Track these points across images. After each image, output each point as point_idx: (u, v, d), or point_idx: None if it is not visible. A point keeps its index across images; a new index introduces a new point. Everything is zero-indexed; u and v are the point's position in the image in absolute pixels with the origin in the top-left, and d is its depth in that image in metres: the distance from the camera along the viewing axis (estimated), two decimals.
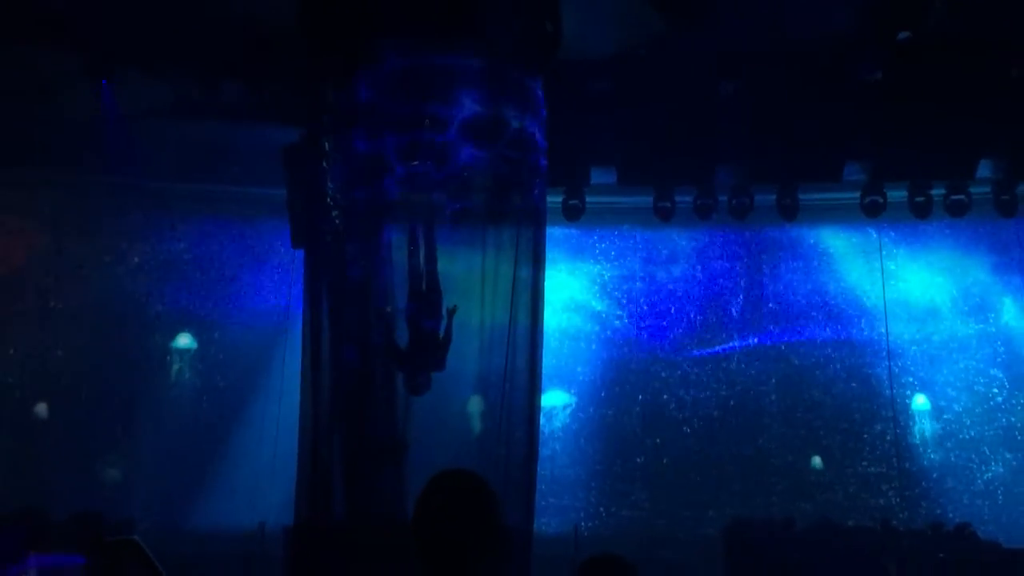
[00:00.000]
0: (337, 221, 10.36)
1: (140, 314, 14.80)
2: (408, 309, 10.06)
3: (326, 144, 10.36)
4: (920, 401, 15.32)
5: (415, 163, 10.18)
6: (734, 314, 15.70)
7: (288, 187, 10.76)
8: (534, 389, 9.96)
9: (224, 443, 14.51)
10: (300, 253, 10.80)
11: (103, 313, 14.49)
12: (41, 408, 14.33)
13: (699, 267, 15.85)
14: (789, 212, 13.46)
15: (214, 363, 15.03)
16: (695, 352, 15.66)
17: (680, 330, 15.74)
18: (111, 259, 14.73)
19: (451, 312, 10.06)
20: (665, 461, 15.25)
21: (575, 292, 15.97)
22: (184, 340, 15.12)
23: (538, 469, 10.21)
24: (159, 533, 11.39)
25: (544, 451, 12.69)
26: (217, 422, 14.58)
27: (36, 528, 10.75)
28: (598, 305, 16.07)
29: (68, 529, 11.12)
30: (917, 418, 15.19)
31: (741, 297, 15.73)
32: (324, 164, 10.36)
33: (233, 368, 14.82)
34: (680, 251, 15.94)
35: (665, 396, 15.54)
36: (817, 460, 15.11)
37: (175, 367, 15.03)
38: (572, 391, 15.74)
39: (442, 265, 10.49)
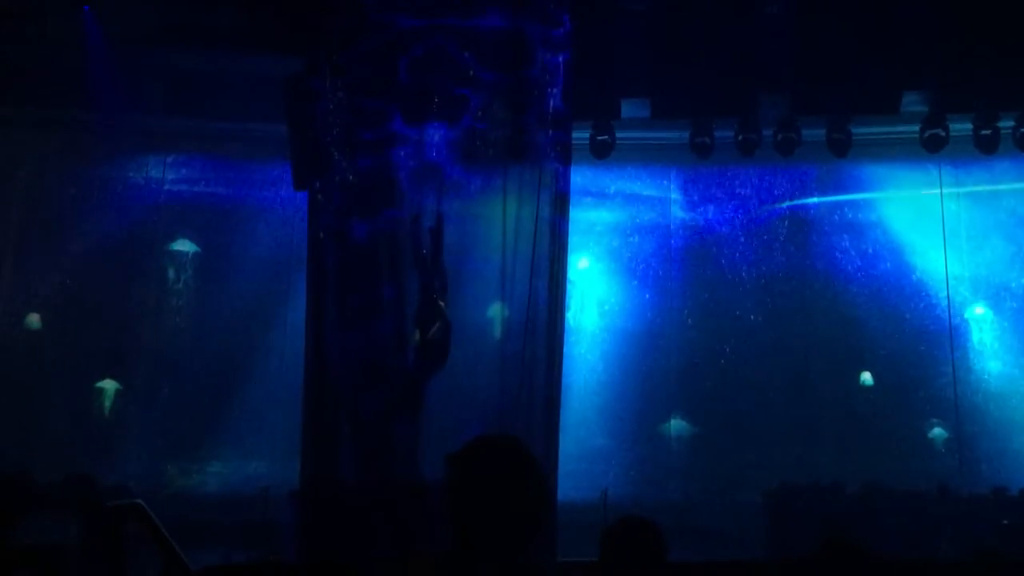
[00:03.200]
0: (342, 163, 10.40)
1: (132, 251, 15.01)
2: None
3: (329, 73, 10.32)
4: (979, 311, 15.29)
5: (429, 86, 10.20)
6: (779, 261, 15.67)
7: (289, 124, 10.72)
8: (556, 320, 10.14)
9: (224, 398, 14.67)
10: (303, 196, 10.81)
11: (95, 252, 14.61)
12: (33, 319, 14.56)
13: (739, 207, 15.81)
14: (840, 147, 13.36)
15: (214, 310, 15.11)
16: (736, 304, 15.67)
17: (719, 278, 15.78)
18: (102, 198, 14.83)
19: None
20: (702, 423, 15.33)
21: (603, 233, 16.00)
22: (183, 245, 15.25)
23: (566, 436, 10.49)
24: (153, 495, 11.38)
25: (572, 415, 12.93)
26: (218, 369, 14.77)
27: (24, 492, 10.92)
28: (628, 250, 16.11)
29: (59, 493, 11.20)
30: (979, 375, 15.19)
31: (784, 239, 15.73)
32: (328, 98, 10.35)
33: (233, 315, 14.92)
34: (718, 191, 15.94)
35: (703, 354, 15.56)
36: (867, 376, 15.17)
37: (170, 271, 15.22)
38: (601, 349, 15.86)
39: (460, 206, 10.61)
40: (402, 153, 10.53)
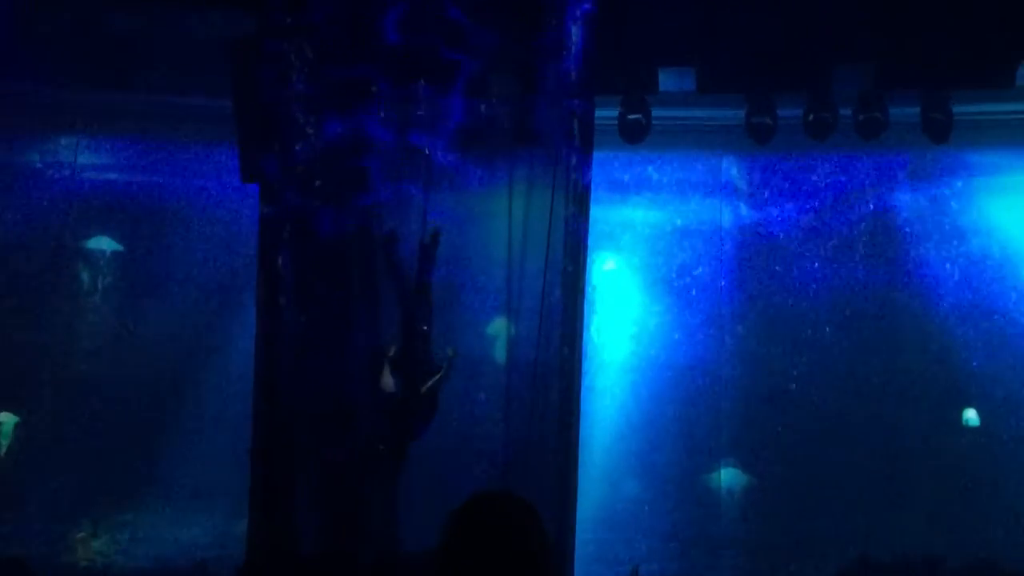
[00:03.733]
0: (303, 145, 10.49)
1: (35, 253, 14.98)
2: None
3: (289, 33, 10.42)
4: None
5: (412, 49, 10.30)
6: (858, 274, 15.63)
7: (236, 97, 10.74)
8: (574, 343, 10.27)
9: (152, 441, 14.74)
10: (253, 189, 10.77)
11: None
12: None
13: (808, 206, 15.78)
14: (939, 130, 13.30)
15: (140, 327, 15.16)
16: (804, 326, 15.68)
17: (782, 293, 15.80)
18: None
19: (449, 359, 10.49)
20: (759, 474, 15.31)
21: (635, 238, 16.09)
22: (102, 243, 15.35)
23: (587, 494, 10.84)
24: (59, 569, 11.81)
25: (593, 467, 13.12)
26: (145, 403, 14.83)
27: None
28: (666, 258, 16.16)
29: None
30: None
31: (865, 245, 15.73)
32: (287, 65, 10.44)
33: (165, 334, 14.96)
34: (781, 184, 15.89)
35: (761, 389, 15.52)
36: (971, 414, 15.17)
37: (84, 275, 15.34)
38: (631, 379, 15.98)
39: (452, 201, 10.87)
40: (379, 134, 10.65)
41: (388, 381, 10.36)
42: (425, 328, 10.43)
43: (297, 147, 10.43)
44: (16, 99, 13.70)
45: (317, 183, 10.45)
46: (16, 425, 14.74)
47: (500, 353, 11.17)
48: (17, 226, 14.80)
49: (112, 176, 15.45)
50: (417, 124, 10.66)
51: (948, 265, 15.64)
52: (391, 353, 10.39)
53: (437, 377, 10.36)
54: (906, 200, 15.78)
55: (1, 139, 14.76)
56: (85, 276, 15.39)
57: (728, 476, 15.46)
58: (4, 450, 14.72)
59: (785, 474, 15.10)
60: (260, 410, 10.15)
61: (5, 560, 8.87)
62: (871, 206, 15.78)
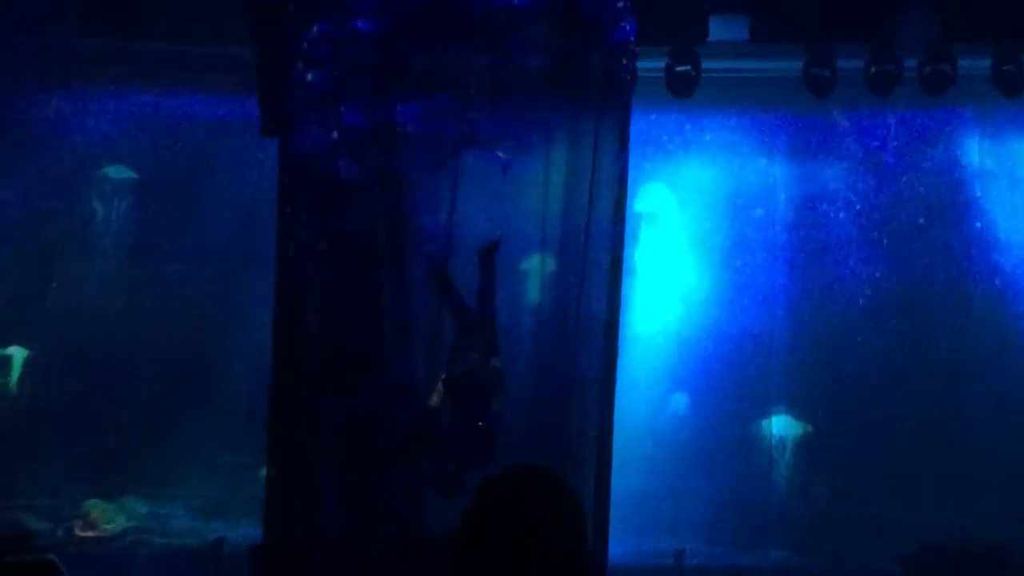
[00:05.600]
0: (329, 95, 10.43)
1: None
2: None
3: None
4: None
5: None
6: (922, 241, 15.42)
7: (257, 46, 10.62)
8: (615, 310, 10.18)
9: (165, 404, 14.73)
10: (274, 145, 10.69)
11: None
12: None
13: (868, 165, 15.59)
14: (1012, 84, 13.21)
15: (160, 281, 15.19)
16: (862, 295, 15.47)
17: (838, 259, 15.59)
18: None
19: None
20: (816, 455, 15.13)
21: (682, 198, 15.91)
22: (114, 170, 15.39)
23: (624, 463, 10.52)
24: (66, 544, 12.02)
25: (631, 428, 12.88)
26: (161, 364, 14.83)
27: None
28: (715, 220, 15.95)
29: None
30: None
31: (930, 209, 15.48)
32: (311, 15, 10.37)
33: (188, 286, 15.00)
34: (840, 141, 15.70)
35: (814, 361, 15.35)
36: None
37: (98, 208, 15.36)
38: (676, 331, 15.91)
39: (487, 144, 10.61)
40: (410, 88, 10.59)
41: (444, 407, 10.12)
42: (492, 353, 10.08)
43: (322, 106, 10.32)
44: (13, 47, 13.71)
45: (344, 146, 10.36)
46: (25, 359, 14.82)
47: (533, 294, 10.93)
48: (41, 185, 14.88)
49: (127, 126, 15.32)
50: (452, 79, 10.45)
51: (1022, 231, 15.43)
52: (448, 375, 10.12)
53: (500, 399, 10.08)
54: (975, 160, 15.57)
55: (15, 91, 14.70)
56: (98, 205, 15.36)
57: (780, 425, 15.33)
58: (15, 383, 14.80)
59: (837, 457, 14.93)
60: (279, 380, 10.05)
61: (37, 563, 8.93)
62: (936, 167, 15.58)
